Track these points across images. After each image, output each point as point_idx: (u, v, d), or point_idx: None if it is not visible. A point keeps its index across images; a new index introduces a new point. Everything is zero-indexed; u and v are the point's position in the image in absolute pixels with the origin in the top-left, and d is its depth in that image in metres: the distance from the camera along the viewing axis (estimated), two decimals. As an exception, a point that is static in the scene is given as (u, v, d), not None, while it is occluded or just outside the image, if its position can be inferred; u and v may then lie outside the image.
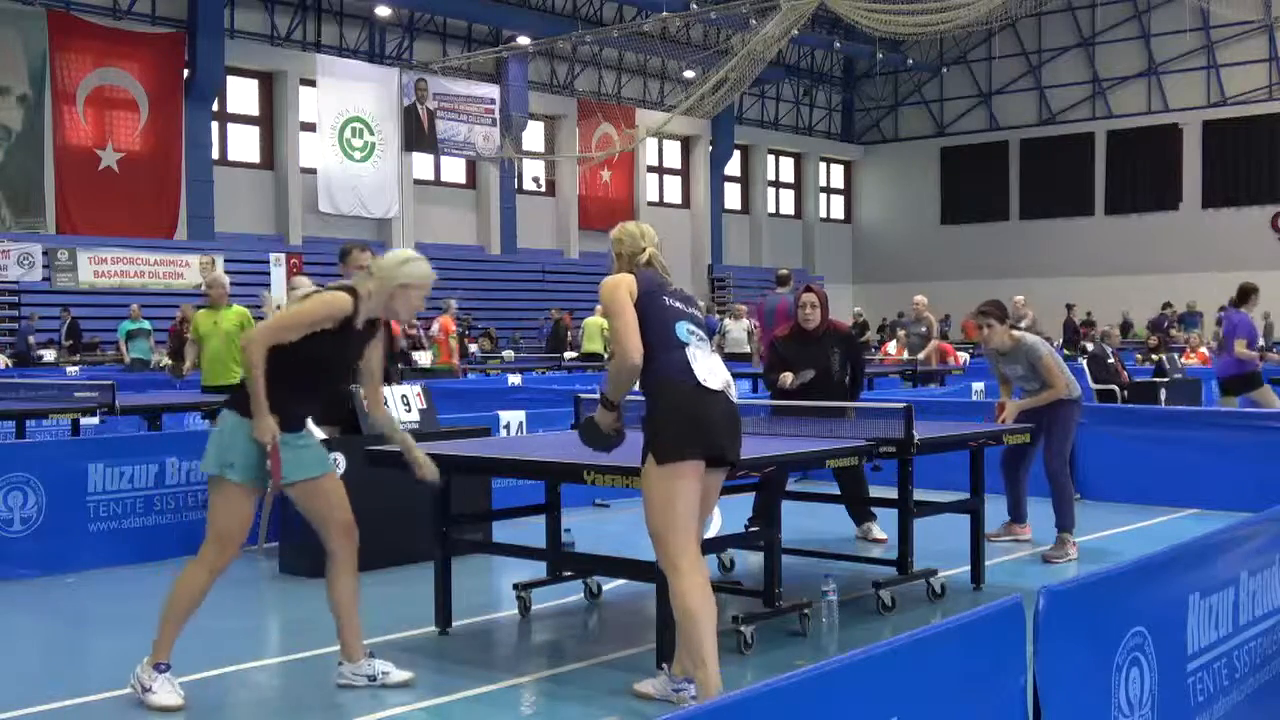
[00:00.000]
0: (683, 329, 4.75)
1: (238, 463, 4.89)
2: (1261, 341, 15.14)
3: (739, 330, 19.84)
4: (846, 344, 8.50)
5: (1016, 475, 8.42)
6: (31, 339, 22.80)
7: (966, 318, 18.88)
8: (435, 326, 20.01)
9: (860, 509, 8.50)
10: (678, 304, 4.84)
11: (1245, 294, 12.35)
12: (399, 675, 5.18)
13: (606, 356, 20.64)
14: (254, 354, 4.83)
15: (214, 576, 4.98)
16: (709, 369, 4.72)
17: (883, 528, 8.37)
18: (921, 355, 17.88)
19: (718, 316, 17.45)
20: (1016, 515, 8.52)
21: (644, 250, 4.91)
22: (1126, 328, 31.91)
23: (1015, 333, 8.27)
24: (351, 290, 4.97)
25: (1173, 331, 25.93)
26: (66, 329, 23.76)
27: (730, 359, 17.30)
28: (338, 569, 5.14)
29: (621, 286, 4.78)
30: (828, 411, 7.35)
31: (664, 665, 5.03)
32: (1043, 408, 8.02)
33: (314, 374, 5.03)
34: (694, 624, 4.56)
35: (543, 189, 34.87)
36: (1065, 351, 25.13)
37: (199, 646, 5.43)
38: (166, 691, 4.88)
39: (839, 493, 8.38)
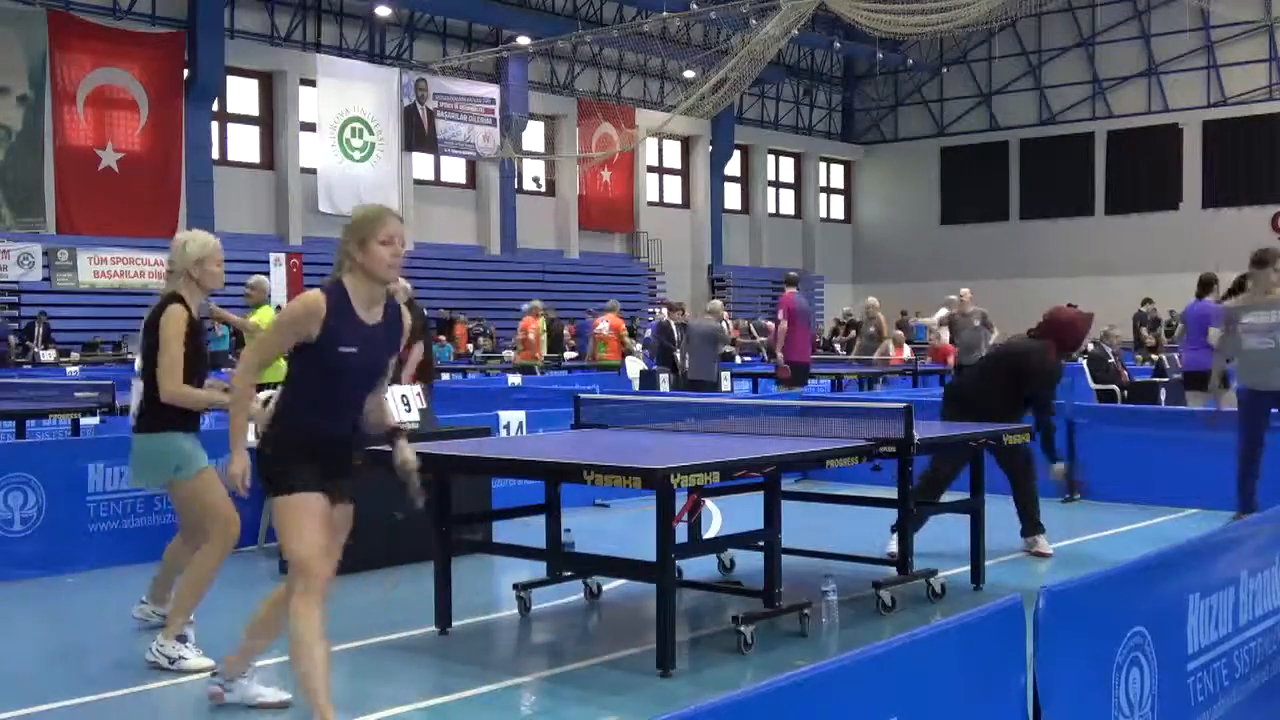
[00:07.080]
0: None
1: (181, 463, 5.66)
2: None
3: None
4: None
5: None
6: (13, 339, 22.65)
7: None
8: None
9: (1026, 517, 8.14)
10: None
11: (1208, 285, 12.30)
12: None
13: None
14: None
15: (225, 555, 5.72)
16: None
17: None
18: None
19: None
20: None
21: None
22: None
23: None
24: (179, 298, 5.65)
25: (1143, 332, 25.59)
26: (41, 330, 23.53)
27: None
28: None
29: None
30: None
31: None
32: None
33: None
34: None
35: (543, 189, 34.85)
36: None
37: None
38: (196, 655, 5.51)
39: (841, 494, 8.36)
